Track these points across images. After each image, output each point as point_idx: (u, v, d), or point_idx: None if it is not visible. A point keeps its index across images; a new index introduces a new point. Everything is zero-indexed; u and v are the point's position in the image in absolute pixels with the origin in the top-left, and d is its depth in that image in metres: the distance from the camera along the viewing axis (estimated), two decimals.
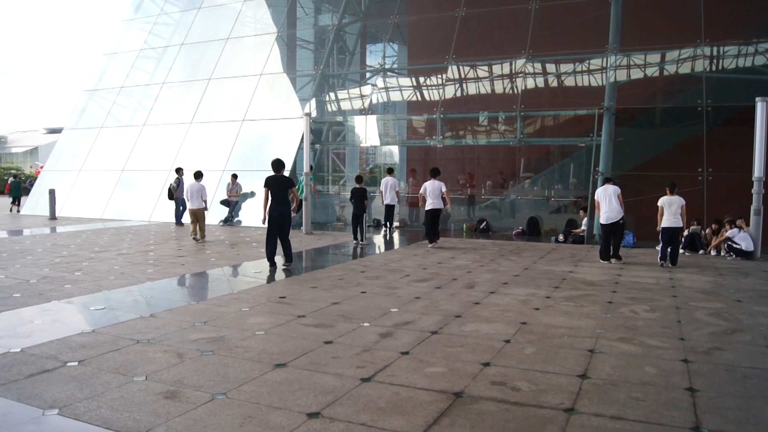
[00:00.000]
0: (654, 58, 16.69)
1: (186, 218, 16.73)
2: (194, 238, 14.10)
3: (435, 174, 13.55)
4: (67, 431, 3.83)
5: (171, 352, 5.38)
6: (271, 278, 9.48)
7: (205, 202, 14.57)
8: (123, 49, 25.58)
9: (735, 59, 15.85)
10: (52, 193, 20.56)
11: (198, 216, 14.24)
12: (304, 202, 15.59)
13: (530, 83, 17.59)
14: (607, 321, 6.69)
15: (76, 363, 5.05)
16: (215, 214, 18.70)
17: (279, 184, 10.29)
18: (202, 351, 5.41)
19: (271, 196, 10.26)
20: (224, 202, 18.60)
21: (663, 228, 10.97)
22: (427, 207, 13.42)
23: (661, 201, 11.05)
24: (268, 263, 10.35)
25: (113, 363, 5.05)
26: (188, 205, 14.54)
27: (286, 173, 10.78)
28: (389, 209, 16.49)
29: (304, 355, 5.32)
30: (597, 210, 11.57)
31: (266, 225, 10.40)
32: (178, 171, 18.30)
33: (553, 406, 4.21)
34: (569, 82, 17.88)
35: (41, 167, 29.28)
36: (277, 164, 10.44)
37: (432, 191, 13.31)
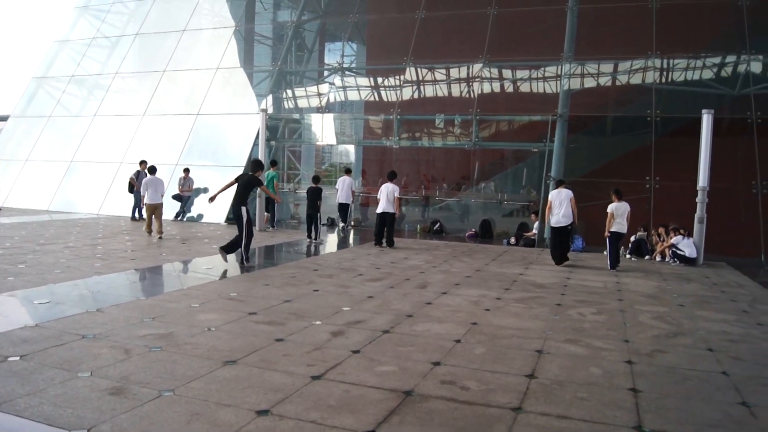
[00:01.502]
0: (607, 67, 17.09)
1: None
2: (148, 232, 13.78)
3: (391, 177, 13.66)
4: (7, 428, 3.72)
5: (118, 347, 5.27)
6: (222, 275, 9.38)
7: (162, 196, 14.26)
8: (75, 37, 24.84)
9: (684, 72, 16.35)
10: None
11: (155, 211, 13.94)
12: (258, 199, 15.41)
13: (486, 88, 17.79)
14: (556, 323, 6.83)
15: (17, 358, 4.90)
16: (167, 210, 18.30)
17: (242, 182, 10.40)
18: (150, 347, 5.31)
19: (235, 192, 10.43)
20: (176, 197, 18.22)
21: (612, 232, 11.34)
22: (378, 210, 13.51)
23: (611, 207, 11.41)
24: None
25: (57, 358, 4.92)
26: (145, 200, 14.14)
27: (241, 171, 10.71)
28: (343, 207, 16.48)
29: (255, 352, 5.28)
30: (548, 211, 11.79)
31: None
32: (142, 164, 17.79)
33: (501, 405, 4.29)
34: (525, 88, 18.15)
35: None
36: (251, 164, 10.87)
37: (385, 194, 13.38)
